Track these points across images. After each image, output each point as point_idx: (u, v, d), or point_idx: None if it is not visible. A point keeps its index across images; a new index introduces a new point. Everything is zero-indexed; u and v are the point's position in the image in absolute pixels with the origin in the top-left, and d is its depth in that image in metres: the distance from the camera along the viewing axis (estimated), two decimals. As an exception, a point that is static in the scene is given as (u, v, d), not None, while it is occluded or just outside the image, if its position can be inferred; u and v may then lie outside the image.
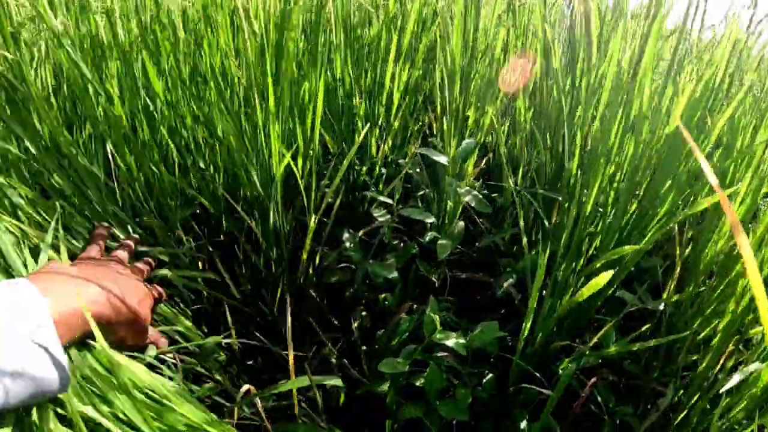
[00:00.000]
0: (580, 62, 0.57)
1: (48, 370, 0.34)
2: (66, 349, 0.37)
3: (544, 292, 0.62)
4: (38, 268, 0.44)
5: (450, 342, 0.53)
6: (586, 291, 0.48)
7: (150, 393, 0.40)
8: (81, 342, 0.41)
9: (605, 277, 0.45)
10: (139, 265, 0.55)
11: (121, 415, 0.39)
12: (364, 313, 0.65)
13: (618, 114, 0.54)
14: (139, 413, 0.37)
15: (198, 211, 0.70)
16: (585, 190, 0.56)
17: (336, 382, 0.53)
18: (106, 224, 0.56)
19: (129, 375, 0.38)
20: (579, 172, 0.61)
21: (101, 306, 0.42)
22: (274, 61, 0.56)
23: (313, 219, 0.59)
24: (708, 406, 0.67)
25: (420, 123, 0.77)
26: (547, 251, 0.49)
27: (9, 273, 0.43)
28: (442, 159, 0.61)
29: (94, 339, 0.40)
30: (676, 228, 0.68)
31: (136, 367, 0.40)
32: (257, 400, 0.51)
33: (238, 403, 0.53)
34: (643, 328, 0.69)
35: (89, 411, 0.38)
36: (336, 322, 0.69)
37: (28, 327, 0.34)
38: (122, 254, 0.53)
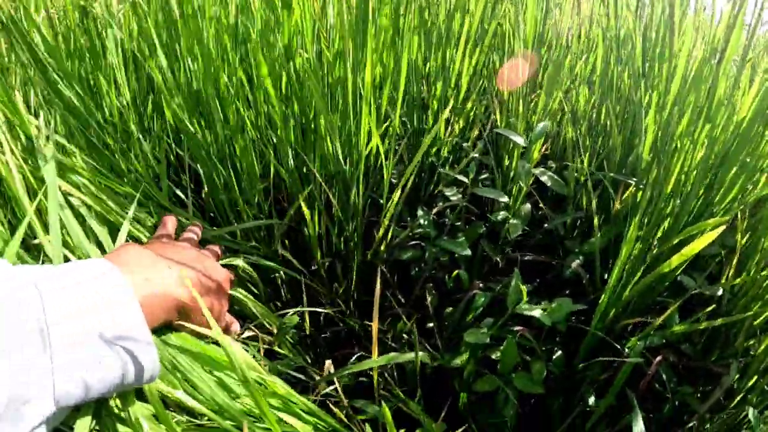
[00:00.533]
0: (660, 50, 0.60)
1: (134, 360, 0.32)
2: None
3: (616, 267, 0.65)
4: (115, 248, 0.42)
5: (536, 313, 0.55)
6: (676, 259, 0.51)
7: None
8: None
9: (709, 237, 0.48)
10: (211, 247, 0.55)
11: (207, 397, 0.39)
12: (434, 290, 0.68)
13: (697, 101, 0.57)
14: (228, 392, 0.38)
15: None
16: (661, 174, 0.59)
17: (422, 357, 0.55)
18: (173, 215, 0.56)
19: (226, 354, 0.36)
20: (652, 156, 0.64)
21: (187, 291, 0.40)
22: (364, 37, 0.59)
23: (395, 195, 0.62)
24: (766, 388, 0.70)
25: (484, 105, 0.80)
26: (636, 223, 0.52)
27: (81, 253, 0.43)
28: (519, 139, 0.64)
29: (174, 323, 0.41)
30: (739, 215, 0.71)
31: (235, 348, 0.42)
32: (335, 378, 0.53)
33: (323, 378, 0.56)
34: (703, 312, 0.72)
35: (179, 395, 0.38)
36: (402, 299, 0.72)
37: (110, 312, 0.32)
38: (193, 237, 0.53)
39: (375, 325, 0.53)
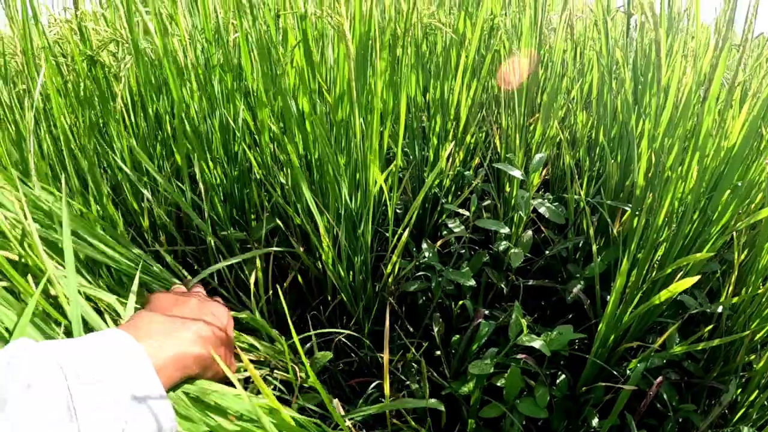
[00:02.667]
0: (650, 84, 0.69)
1: (154, 421, 0.37)
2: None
3: (611, 297, 0.73)
4: (127, 318, 0.49)
5: (536, 344, 0.64)
6: (665, 294, 0.59)
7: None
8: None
9: (688, 281, 0.56)
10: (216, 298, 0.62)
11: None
12: (441, 320, 0.76)
13: (685, 133, 0.65)
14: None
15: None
16: (655, 202, 0.68)
17: (432, 404, 0.63)
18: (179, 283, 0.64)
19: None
20: (646, 183, 0.72)
21: (201, 345, 0.46)
22: (365, 80, 0.67)
23: (401, 230, 0.70)
24: (766, 403, 0.78)
25: (484, 132, 0.88)
26: (627, 256, 0.60)
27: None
28: (517, 173, 0.72)
29: (194, 380, 0.47)
30: (735, 233, 0.79)
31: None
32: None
33: (345, 416, 0.64)
34: (704, 330, 0.80)
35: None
36: (410, 328, 0.81)
37: (128, 381, 0.37)
38: (200, 291, 0.61)
39: (386, 360, 0.62)
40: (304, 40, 0.69)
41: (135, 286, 0.55)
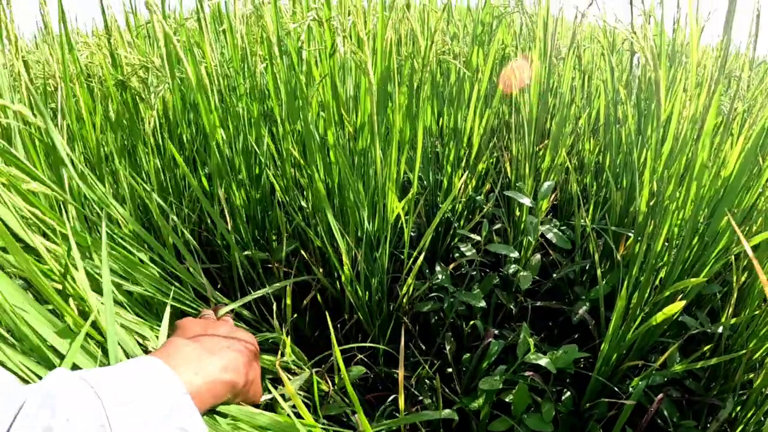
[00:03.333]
0: (652, 119, 0.76)
1: None
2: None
3: (613, 318, 0.80)
4: (161, 345, 0.52)
5: (542, 362, 0.71)
6: (660, 316, 0.66)
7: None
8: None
9: (678, 306, 0.63)
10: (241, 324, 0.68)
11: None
12: (452, 339, 0.83)
13: (683, 164, 0.72)
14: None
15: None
16: (656, 229, 0.75)
17: (447, 414, 0.70)
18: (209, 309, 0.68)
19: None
20: (648, 211, 0.79)
21: (232, 372, 0.50)
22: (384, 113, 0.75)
23: (416, 253, 0.77)
24: (762, 419, 0.85)
25: (494, 158, 0.95)
26: (626, 284, 0.67)
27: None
28: (526, 201, 0.79)
29: (225, 404, 0.52)
30: (733, 257, 0.86)
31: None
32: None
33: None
34: (704, 349, 0.87)
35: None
36: (423, 346, 0.88)
37: (164, 407, 0.39)
38: (228, 319, 0.65)
39: (401, 377, 0.69)
40: (330, 75, 0.76)
41: (166, 319, 0.61)
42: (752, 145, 0.75)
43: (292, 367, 0.73)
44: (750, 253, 0.41)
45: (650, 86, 0.76)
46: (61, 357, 0.47)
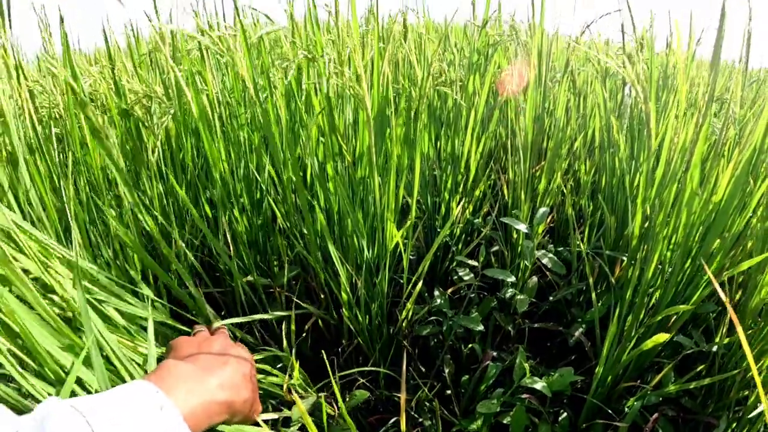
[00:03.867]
0: (643, 150, 0.80)
1: None
2: None
3: (606, 342, 0.84)
4: (155, 368, 0.51)
5: (538, 385, 0.75)
6: (649, 343, 0.70)
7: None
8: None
9: (663, 336, 0.67)
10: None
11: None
12: (451, 362, 0.87)
13: (673, 192, 0.77)
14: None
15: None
16: (647, 254, 0.79)
17: None
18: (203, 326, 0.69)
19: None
20: (640, 234, 0.83)
21: (228, 390, 0.51)
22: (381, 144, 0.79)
23: (414, 278, 0.81)
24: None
25: (491, 181, 0.99)
26: (618, 309, 0.71)
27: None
28: (522, 226, 0.83)
29: (225, 423, 0.52)
30: (726, 278, 0.90)
31: None
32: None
33: None
34: (699, 368, 0.91)
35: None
36: (423, 368, 0.92)
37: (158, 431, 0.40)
38: (224, 332, 0.66)
39: (403, 400, 0.73)
40: (328, 107, 0.81)
41: (151, 334, 0.64)
42: (741, 171, 0.79)
43: (299, 390, 0.77)
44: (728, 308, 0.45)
45: (642, 114, 0.80)
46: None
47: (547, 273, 0.94)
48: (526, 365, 0.75)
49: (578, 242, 0.88)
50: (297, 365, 0.74)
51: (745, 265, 0.77)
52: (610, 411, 0.80)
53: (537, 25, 0.92)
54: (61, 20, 0.85)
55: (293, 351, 0.78)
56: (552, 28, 1.11)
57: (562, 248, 0.95)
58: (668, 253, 0.83)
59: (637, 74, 0.71)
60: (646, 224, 0.85)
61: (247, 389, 0.55)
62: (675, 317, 0.86)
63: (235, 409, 0.52)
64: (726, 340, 0.90)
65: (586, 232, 0.91)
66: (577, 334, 0.86)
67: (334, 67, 0.80)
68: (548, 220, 0.98)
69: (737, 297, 0.97)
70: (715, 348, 0.92)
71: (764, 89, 1.28)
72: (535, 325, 0.90)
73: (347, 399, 0.76)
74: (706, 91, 0.74)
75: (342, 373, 0.80)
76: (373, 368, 0.80)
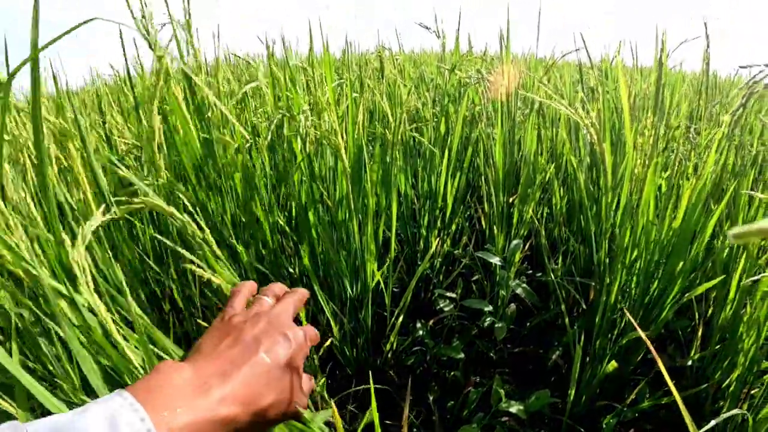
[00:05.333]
0: (601, 187, 0.92)
1: None
2: None
3: (587, 359, 0.96)
4: (150, 374, 0.44)
5: (513, 409, 0.86)
6: (610, 367, 0.82)
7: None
8: None
9: (613, 365, 0.79)
10: (290, 296, 0.54)
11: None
12: (436, 388, 0.99)
13: (629, 225, 0.88)
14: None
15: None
16: (611, 283, 0.90)
17: None
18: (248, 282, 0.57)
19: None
20: (607, 261, 0.95)
21: (231, 403, 0.43)
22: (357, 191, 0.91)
23: (397, 311, 0.93)
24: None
25: (470, 212, 1.11)
26: (581, 342, 0.83)
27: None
28: (496, 260, 0.95)
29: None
30: (693, 300, 1.02)
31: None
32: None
33: None
34: (670, 384, 1.02)
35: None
36: (410, 396, 1.04)
37: None
38: (264, 304, 0.53)
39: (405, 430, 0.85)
40: (308, 158, 0.93)
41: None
42: (696, 199, 0.91)
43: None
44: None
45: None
46: None
47: (526, 300, 1.06)
48: (501, 391, 0.87)
49: (551, 273, 0.99)
50: (323, 379, 0.86)
51: (701, 289, 0.88)
52: (582, 430, 0.91)
53: (505, 61, 1.05)
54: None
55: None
56: (521, 52, 1.22)
57: (540, 274, 1.07)
58: (634, 278, 0.95)
59: (591, 121, 0.83)
60: (612, 253, 0.97)
61: (270, 393, 0.46)
62: (647, 334, 0.98)
63: (242, 422, 0.44)
64: (696, 356, 1.02)
65: (560, 260, 1.03)
66: (554, 357, 0.98)
67: (311, 122, 0.92)
68: (526, 246, 1.10)
69: (709, 312, 1.09)
70: (689, 362, 1.04)
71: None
72: (515, 350, 1.02)
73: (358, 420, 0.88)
74: (655, 146, 0.86)
75: (333, 399, 0.92)
76: (362, 387, 0.92)
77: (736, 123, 0.83)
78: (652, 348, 0.49)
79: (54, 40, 0.45)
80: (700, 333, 1.04)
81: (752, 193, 0.79)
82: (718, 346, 1.00)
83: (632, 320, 0.56)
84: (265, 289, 0.55)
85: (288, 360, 0.48)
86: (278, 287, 0.55)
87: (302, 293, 0.54)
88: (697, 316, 1.02)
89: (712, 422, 0.56)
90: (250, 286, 0.56)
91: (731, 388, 0.99)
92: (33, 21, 0.42)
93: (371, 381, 0.47)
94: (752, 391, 1.00)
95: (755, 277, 0.91)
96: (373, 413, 0.54)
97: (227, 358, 0.46)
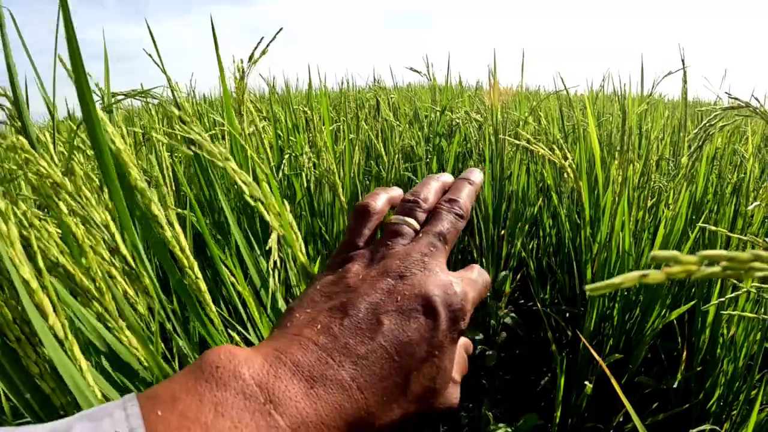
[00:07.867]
0: (581, 221, 1.07)
1: None
2: None
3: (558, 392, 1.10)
4: (191, 364, 0.27)
5: (501, 431, 1.01)
6: (588, 390, 0.97)
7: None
8: None
9: (588, 388, 0.94)
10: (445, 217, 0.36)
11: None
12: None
13: (604, 255, 1.04)
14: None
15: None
16: (592, 310, 1.05)
17: None
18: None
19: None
20: (587, 297, 1.10)
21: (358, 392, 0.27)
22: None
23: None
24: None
25: (462, 244, 1.26)
26: (563, 367, 0.98)
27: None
28: (484, 290, 1.10)
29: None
30: (675, 323, 1.17)
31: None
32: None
33: None
34: (653, 406, 1.17)
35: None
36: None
37: None
38: (399, 234, 0.35)
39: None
40: (308, 195, 1.08)
41: None
42: (669, 230, 1.06)
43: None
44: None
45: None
46: None
47: (516, 328, 1.21)
48: (490, 414, 1.01)
49: (539, 300, 1.14)
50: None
51: (674, 314, 1.03)
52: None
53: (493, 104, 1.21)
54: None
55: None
56: (507, 83, 1.39)
57: (531, 303, 1.22)
58: (616, 306, 1.10)
59: (569, 162, 0.99)
60: (594, 280, 1.12)
61: (400, 400, 0.29)
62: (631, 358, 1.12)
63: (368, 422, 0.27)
64: (678, 377, 1.16)
65: (548, 289, 1.18)
66: (542, 382, 1.13)
67: (310, 161, 1.08)
68: (518, 276, 1.25)
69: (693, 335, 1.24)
70: (675, 384, 1.19)
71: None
72: (507, 377, 1.17)
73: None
74: (625, 183, 1.01)
75: None
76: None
77: (693, 163, 0.98)
78: (607, 370, 0.63)
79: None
80: (684, 356, 1.18)
81: (705, 225, 0.93)
82: (699, 368, 1.15)
83: (589, 347, 0.70)
84: (411, 195, 0.38)
85: (435, 340, 0.30)
86: (433, 186, 0.39)
87: (476, 181, 0.40)
88: (679, 339, 1.16)
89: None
90: (390, 195, 0.39)
91: (713, 408, 1.13)
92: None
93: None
94: (732, 412, 1.14)
95: (731, 295, 1.06)
96: None
97: (322, 346, 0.28)
